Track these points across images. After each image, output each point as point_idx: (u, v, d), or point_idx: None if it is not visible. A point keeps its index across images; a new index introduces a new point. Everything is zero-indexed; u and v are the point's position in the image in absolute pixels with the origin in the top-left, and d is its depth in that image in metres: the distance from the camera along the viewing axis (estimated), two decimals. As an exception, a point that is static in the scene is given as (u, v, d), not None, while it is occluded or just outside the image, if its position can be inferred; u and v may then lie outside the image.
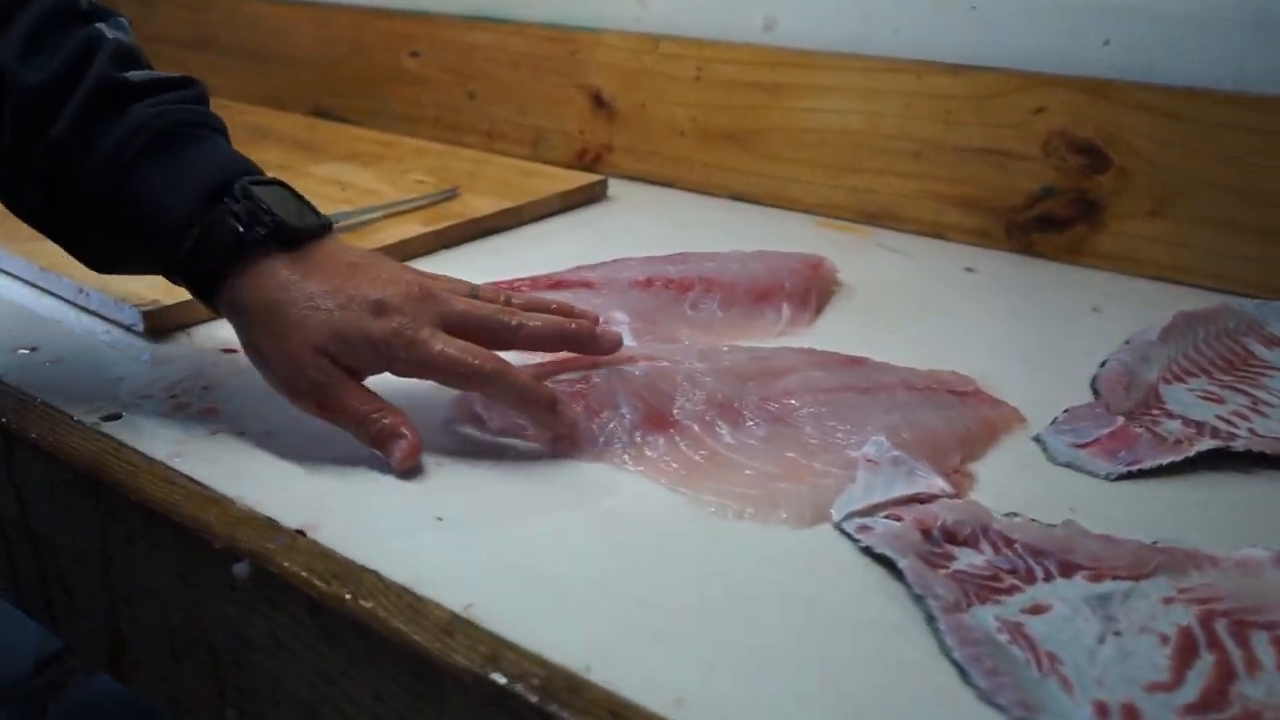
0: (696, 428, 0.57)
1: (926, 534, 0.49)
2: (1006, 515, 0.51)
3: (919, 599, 0.45)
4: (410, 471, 0.55)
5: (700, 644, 0.43)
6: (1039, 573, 0.48)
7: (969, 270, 0.88)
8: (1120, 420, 0.60)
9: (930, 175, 0.94)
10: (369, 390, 0.56)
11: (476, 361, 0.54)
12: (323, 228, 0.57)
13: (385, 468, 0.55)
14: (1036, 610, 0.45)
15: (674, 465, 0.55)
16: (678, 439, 0.57)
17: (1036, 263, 0.90)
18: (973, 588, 0.47)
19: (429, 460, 0.56)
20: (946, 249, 0.93)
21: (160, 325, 0.71)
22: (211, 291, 0.56)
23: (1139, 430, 0.59)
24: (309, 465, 0.56)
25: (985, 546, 0.49)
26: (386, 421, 0.54)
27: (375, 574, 0.47)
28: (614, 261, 0.79)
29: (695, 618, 0.45)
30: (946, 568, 0.48)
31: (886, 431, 0.57)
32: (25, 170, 0.57)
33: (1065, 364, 0.70)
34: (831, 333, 0.74)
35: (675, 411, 0.58)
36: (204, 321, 0.73)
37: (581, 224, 0.98)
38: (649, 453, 0.56)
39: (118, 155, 0.55)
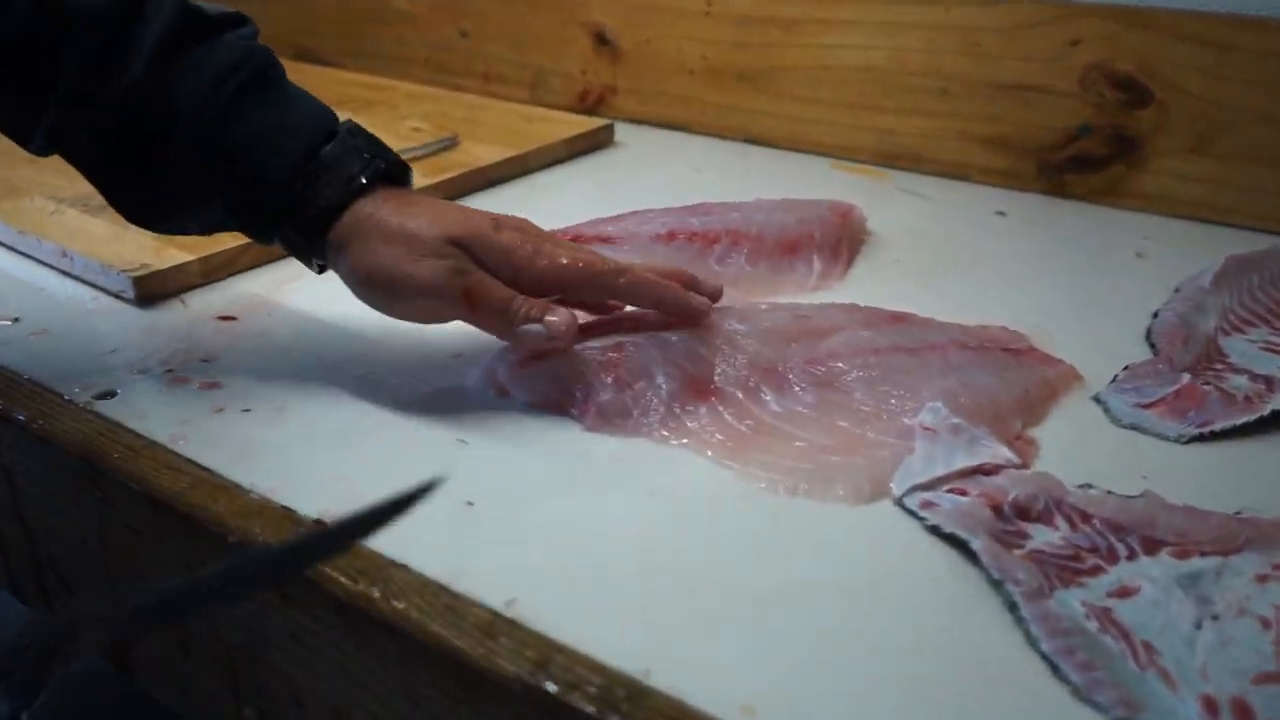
0: (740, 395, 0.53)
1: (997, 510, 0.46)
2: (1080, 487, 0.48)
3: (997, 584, 0.42)
4: (433, 451, 0.51)
5: (764, 640, 0.40)
6: (1121, 551, 0.44)
7: (1000, 214, 0.84)
8: (1185, 377, 0.56)
9: (957, 114, 0.89)
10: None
11: (608, 264, 0.54)
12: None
13: (406, 447, 0.51)
14: (1124, 593, 0.42)
15: (718, 437, 0.51)
16: (721, 408, 0.53)
17: (1070, 205, 0.86)
18: (1053, 569, 0.43)
19: (453, 439, 0.52)
20: (971, 191, 0.89)
21: (151, 291, 0.66)
22: (323, 227, 0.53)
23: (1206, 388, 0.56)
24: (324, 446, 0.52)
25: (1061, 523, 0.46)
26: (528, 305, 0.52)
27: (405, 568, 0.43)
28: (632, 214, 0.74)
29: (756, 609, 0.41)
30: (1021, 547, 0.45)
31: (942, 396, 0.53)
32: (95, 107, 0.50)
33: (1115, 314, 0.67)
34: (866, 287, 0.70)
35: (717, 378, 0.54)
36: (197, 287, 0.68)
37: (590, 172, 0.93)
38: (690, 424, 0.52)
39: (216, 93, 0.51)
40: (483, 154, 0.89)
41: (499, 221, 0.54)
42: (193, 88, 0.51)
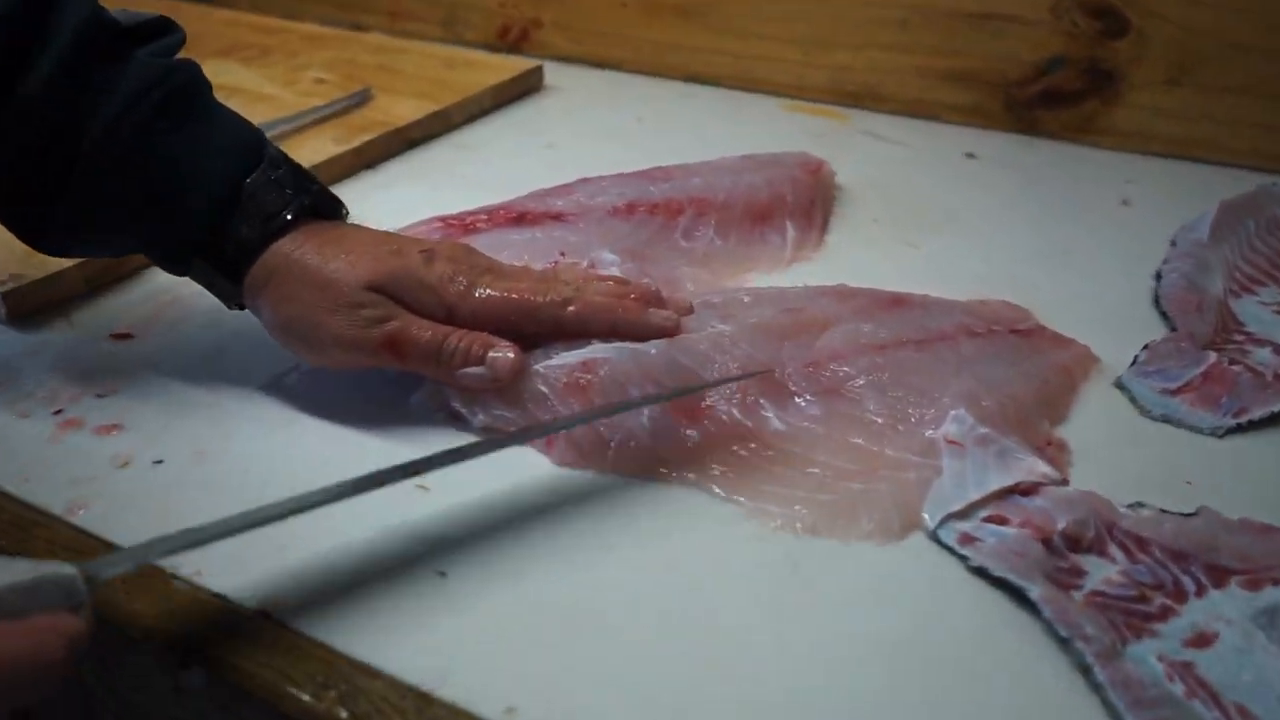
0: (737, 413, 0.47)
1: (1047, 543, 0.41)
2: (1130, 507, 0.43)
3: (1064, 641, 0.37)
4: (391, 503, 0.43)
5: (812, 734, 0.34)
6: (1188, 585, 0.40)
7: (970, 156, 0.78)
8: (1211, 357, 0.52)
9: (918, 47, 0.82)
10: (433, 322, 0.47)
11: (551, 293, 0.48)
12: (347, 210, 0.52)
13: (359, 500, 0.43)
14: (1202, 641, 0.37)
15: (718, 468, 0.45)
16: (715, 431, 0.46)
17: (1044, 145, 0.80)
18: (1120, 616, 0.38)
19: (411, 484, 0.44)
20: (936, 132, 0.82)
21: (26, 308, 0.56)
22: (239, 268, 0.47)
23: (1235, 369, 0.51)
24: (257, 502, 0.43)
25: (1115, 552, 0.41)
26: (465, 342, 0.46)
27: (377, 674, 0.36)
28: (581, 182, 0.66)
29: (794, 689, 0.35)
30: (1079, 586, 0.40)
31: (964, 400, 0.47)
32: None
33: (1113, 274, 0.62)
34: (848, 256, 0.64)
35: (707, 395, 0.47)
36: (82, 299, 0.58)
37: (521, 124, 0.84)
38: (682, 454, 0.45)
39: (128, 115, 0.45)
40: (400, 110, 0.79)
41: (432, 252, 0.48)
42: (102, 109, 0.45)
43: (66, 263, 0.57)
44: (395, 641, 0.37)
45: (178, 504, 0.43)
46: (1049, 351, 0.53)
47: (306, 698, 0.35)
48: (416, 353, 0.46)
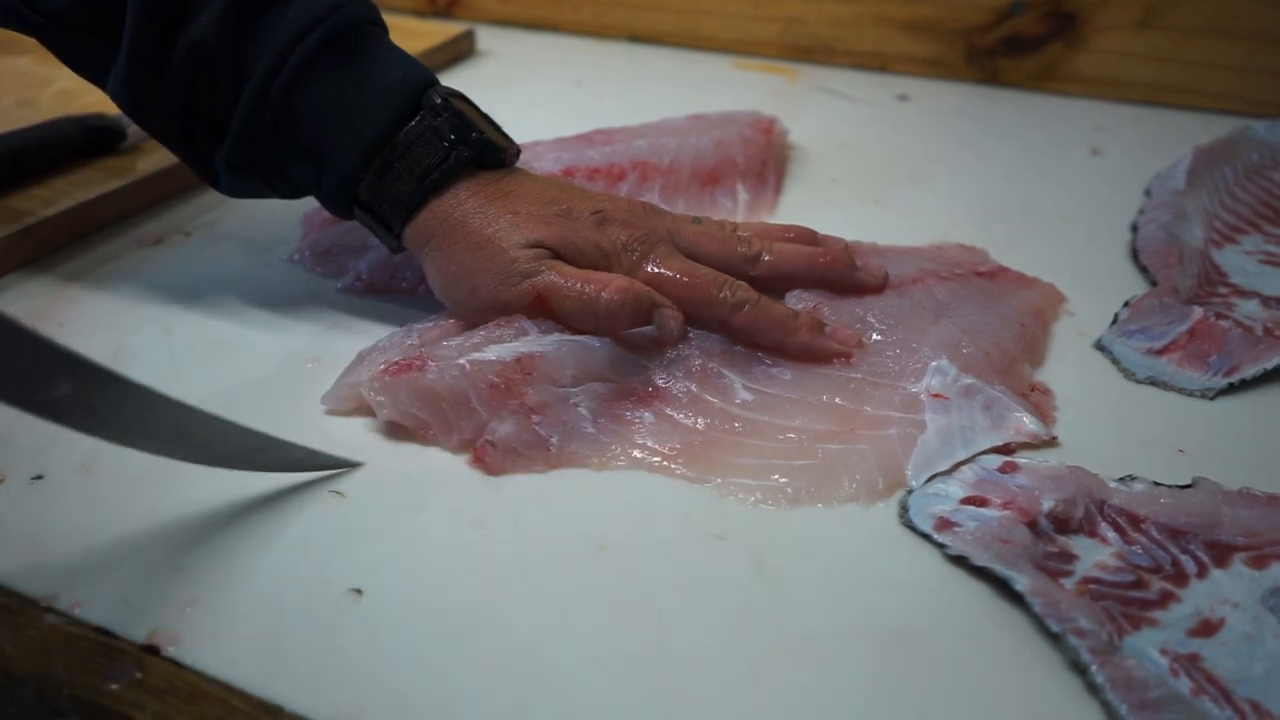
0: (695, 388, 0.42)
1: (1032, 526, 0.37)
2: (1121, 481, 0.39)
3: (1056, 637, 0.33)
4: (303, 513, 0.38)
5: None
6: (1189, 566, 0.36)
7: (931, 110, 0.74)
8: (1197, 312, 0.48)
9: (872, -5, 0.78)
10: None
11: (731, 289, 0.45)
12: (517, 150, 0.48)
13: (265, 512, 0.39)
14: (1207, 629, 0.34)
15: (675, 445, 0.40)
16: (670, 410, 0.42)
17: (1007, 95, 0.76)
18: (1116, 605, 0.34)
19: (329, 496, 0.40)
20: (898, 87, 0.78)
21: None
22: (399, 224, 0.45)
23: (1223, 324, 0.47)
24: (151, 522, 0.38)
25: (1108, 532, 0.37)
26: (621, 284, 0.43)
27: (281, 712, 0.31)
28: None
29: (788, 688, 0.31)
30: (1070, 573, 0.36)
31: (946, 350, 0.43)
32: (162, 71, 0.43)
33: (1086, 227, 0.59)
34: (803, 218, 0.59)
35: (656, 376, 0.43)
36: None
37: (453, 91, 0.78)
38: (640, 438, 0.41)
39: (282, 61, 0.43)
40: (321, 79, 0.73)
41: (604, 214, 0.46)
42: (265, 54, 0.43)
43: (-63, 256, 0.51)
44: (305, 674, 0.32)
45: (54, 525, 0.38)
46: (1017, 292, 0.49)
47: (195, 746, 0.30)
48: (570, 298, 0.43)
